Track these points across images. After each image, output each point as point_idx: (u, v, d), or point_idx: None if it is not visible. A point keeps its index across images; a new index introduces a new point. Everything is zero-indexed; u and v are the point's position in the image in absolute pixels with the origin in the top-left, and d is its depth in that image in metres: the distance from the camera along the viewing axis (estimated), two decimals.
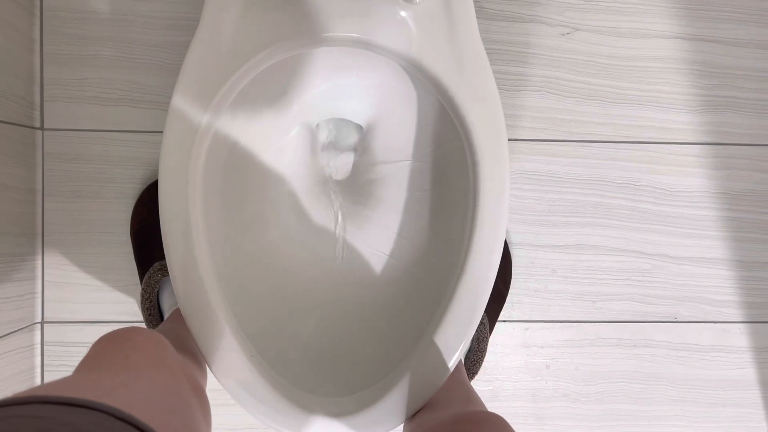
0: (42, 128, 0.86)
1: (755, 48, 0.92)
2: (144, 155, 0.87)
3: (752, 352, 0.95)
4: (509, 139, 0.90)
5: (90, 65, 0.85)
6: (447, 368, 0.58)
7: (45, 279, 0.86)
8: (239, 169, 0.66)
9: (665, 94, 0.92)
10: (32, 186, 0.85)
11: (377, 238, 0.69)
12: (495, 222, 0.57)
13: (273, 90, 0.64)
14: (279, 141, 0.68)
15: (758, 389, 0.96)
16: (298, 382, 0.57)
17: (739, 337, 0.95)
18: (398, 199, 0.68)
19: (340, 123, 0.73)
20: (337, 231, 0.69)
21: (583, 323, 0.93)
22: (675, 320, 0.94)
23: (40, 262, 0.86)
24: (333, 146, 0.74)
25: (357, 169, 0.71)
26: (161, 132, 0.82)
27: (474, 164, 0.56)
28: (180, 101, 0.55)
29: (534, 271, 0.92)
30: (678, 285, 0.94)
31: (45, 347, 0.87)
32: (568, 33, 0.91)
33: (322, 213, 0.70)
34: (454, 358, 0.58)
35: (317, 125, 0.73)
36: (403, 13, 0.55)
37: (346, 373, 0.61)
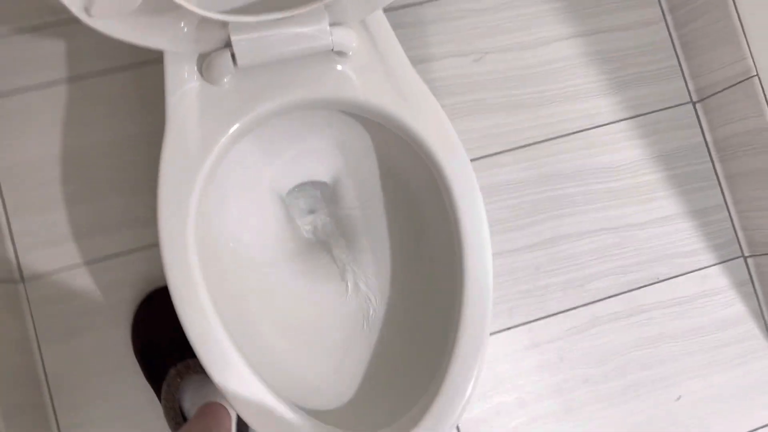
0: (23, 280, 0.87)
1: (640, 27, 1.04)
2: (126, 276, 0.89)
3: (734, 288, 1.02)
4: None
5: (55, 206, 0.88)
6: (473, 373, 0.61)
7: (60, 425, 0.85)
8: (231, 253, 0.69)
9: (579, 86, 1.02)
10: (26, 335, 0.85)
11: (376, 277, 0.73)
12: (478, 229, 0.62)
13: (244, 169, 0.69)
14: (261, 215, 0.72)
15: (752, 321, 1.02)
16: (341, 423, 0.59)
17: (717, 279, 1.02)
18: (382, 235, 0.73)
19: (306, 187, 0.78)
20: (343, 276, 0.72)
21: (579, 308, 0.98)
22: (658, 280, 1.00)
23: (51, 409, 0.85)
24: (306, 211, 0.79)
25: (339, 221, 0.76)
26: (138, 249, 0.85)
27: (443, 178, 0.62)
28: (165, 198, 0.59)
29: (518, 274, 0.97)
30: (649, 248, 1.01)
31: None
32: (480, 58, 1.00)
33: (322, 269, 0.74)
34: (478, 361, 0.61)
35: (285, 195, 0.78)
36: (339, 67, 0.62)
37: (382, 403, 0.63)
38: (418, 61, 0.98)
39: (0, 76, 0.89)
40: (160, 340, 0.82)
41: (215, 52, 0.57)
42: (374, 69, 0.62)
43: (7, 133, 0.89)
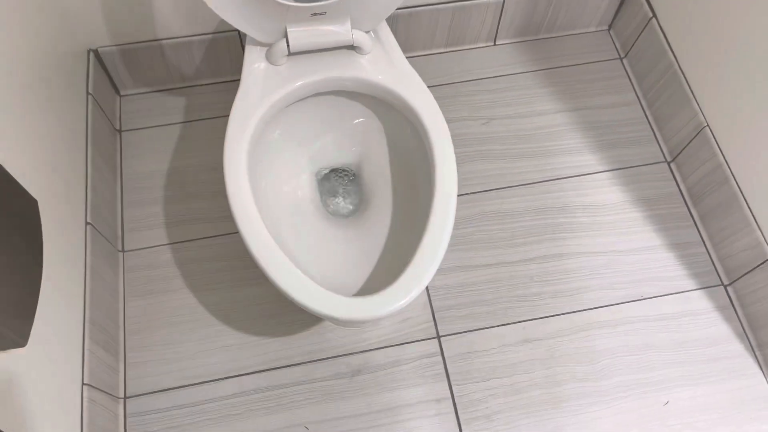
0: (123, 251, 1.15)
1: (620, 105, 1.31)
2: (199, 256, 1.14)
3: (716, 311, 1.13)
4: (470, 193, 1.21)
5: (156, 204, 1.19)
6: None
7: (127, 356, 1.06)
8: (273, 196, 0.95)
9: (570, 145, 1.27)
10: (117, 288, 1.11)
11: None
12: (446, 155, 0.85)
13: (289, 147, 0.98)
14: (297, 182, 0.99)
15: (737, 341, 1.10)
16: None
17: (700, 301, 1.13)
18: (387, 194, 0.97)
19: (334, 174, 1.05)
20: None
21: (568, 314, 1.12)
22: (642, 298, 1.13)
23: (122, 342, 1.07)
24: (330, 193, 1.05)
25: (359, 189, 1.01)
26: (210, 237, 1.12)
27: (423, 128, 0.88)
28: (230, 134, 0.87)
29: (514, 282, 1.14)
30: (633, 271, 1.16)
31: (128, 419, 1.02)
32: (487, 122, 1.29)
33: (334, 221, 0.98)
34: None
35: (320, 176, 1.04)
36: (358, 58, 0.92)
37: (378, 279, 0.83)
38: None
39: (140, 118, 1.28)
40: None
41: (276, 42, 0.90)
42: (381, 60, 0.92)
43: (135, 153, 1.24)
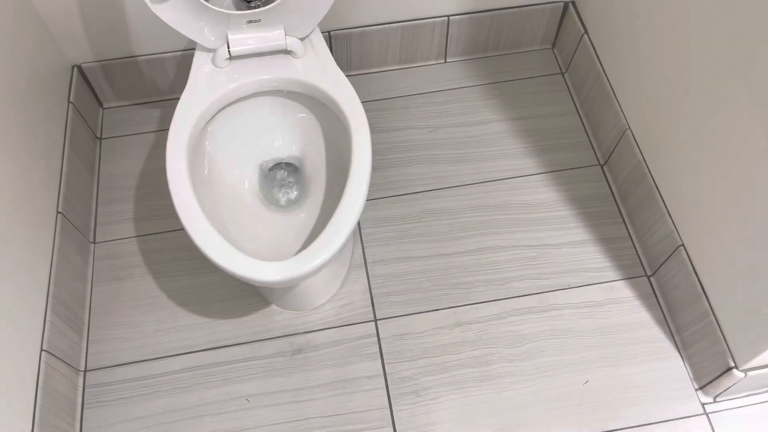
0: (94, 242, 1.27)
1: (558, 115, 1.41)
2: (160, 247, 1.26)
3: (639, 299, 1.20)
4: (413, 192, 1.31)
5: (127, 201, 1.31)
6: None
7: (90, 335, 1.17)
8: (218, 178, 1.07)
9: (508, 150, 1.37)
10: (85, 274, 1.22)
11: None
12: (363, 141, 0.96)
13: (239, 136, 1.10)
14: (244, 170, 1.10)
15: (657, 327, 1.17)
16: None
17: (623, 290, 1.21)
18: (321, 179, 1.08)
19: (281, 167, 1.16)
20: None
21: (498, 301, 1.20)
22: (569, 287, 1.21)
23: (86, 322, 1.18)
24: (278, 185, 1.16)
25: (300, 178, 1.12)
26: (170, 231, 1.24)
27: (347, 129, 0.99)
28: (173, 130, 1.00)
29: (449, 271, 1.23)
30: (562, 262, 1.24)
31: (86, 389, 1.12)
32: (432, 130, 1.41)
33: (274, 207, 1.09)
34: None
35: (266, 169, 1.15)
36: (292, 61, 1.05)
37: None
38: (390, 130, 1.40)
39: (119, 127, 1.42)
40: None
41: (220, 47, 1.03)
42: (313, 63, 1.04)
43: (113, 158, 1.37)
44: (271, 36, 1.02)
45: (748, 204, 0.92)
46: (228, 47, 1.02)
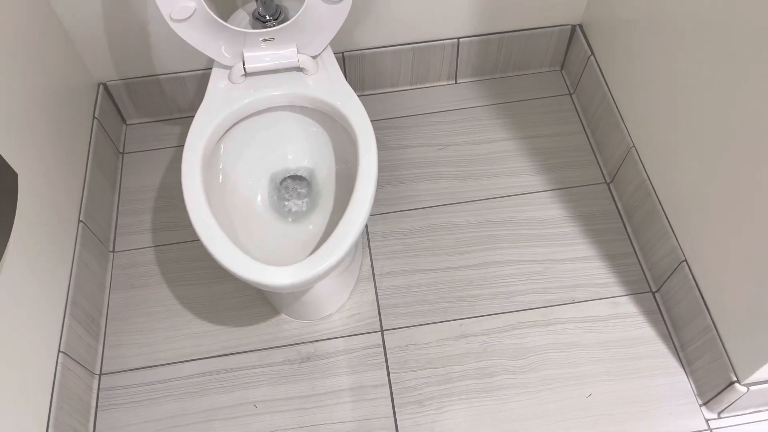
0: (113, 251, 1.32)
1: (566, 135, 1.44)
2: (177, 257, 1.30)
3: (643, 315, 1.21)
4: (422, 207, 1.34)
5: (147, 212, 1.37)
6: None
7: (107, 339, 1.21)
8: (231, 189, 1.11)
9: (516, 167, 1.40)
10: (104, 281, 1.27)
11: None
12: (369, 153, 1.00)
13: (252, 149, 1.14)
14: (257, 182, 1.15)
15: (661, 342, 1.18)
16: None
17: (628, 306, 1.22)
18: (331, 192, 1.12)
19: (291, 181, 1.20)
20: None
21: (503, 314, 1.22)
22: (573, 301, 1.22)
23: (103, 326, 1.22)
24: (285, 197, 1.20)
25: (310, 191, 1.17)
26: (187, 242, 1.28)
27: (355, 142, 1.03)
28: (189, 142, 1.05)
29: (455, 284, 1.25)
30: (567, 278, 1.25)
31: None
32: (442, 148, 1.44)
33: (282, 218, 1.13)
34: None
35: (278, 181, 1.19)
36: (304, 77, 1.10)
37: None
38: (401, 147, 1.44)
39: (141, 143, 1.48)
40: None
41: (236, 64, 1.08)
42: (324, 80, 1.09)
43: (134, 171, 1.43)
44: (285, 54, 1.07)
45: (749, 219, 0.93)
46: (243, 64, 1.07)
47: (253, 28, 1.05)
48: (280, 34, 1.05)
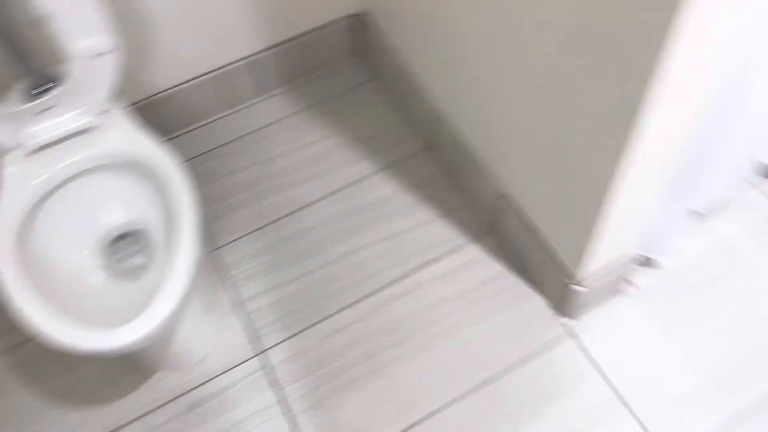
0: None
1: (376, 119, 1.52)
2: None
3: (489, 254, 1.30)
4: (263, 226, 1.36)
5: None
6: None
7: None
8: (54, 263, 1.07)
9: (344, 158, 1.46)
10: None
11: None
12: (181, 200, 1.01)
13: (72, 217, 1.10)
14: (84, 251, 1.12)
15: (511, 273, 1.28)
16: None
17: (474, 251, 1.31)
18: (159, 241, 1.11)
19: (121, 239, 1.18)
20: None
21: (369, 297, 1.26)
22: (427, 262, 1.30)
23: None
24: (126, 254, 1.17)
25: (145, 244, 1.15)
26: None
27: (164, 188, 1.03)
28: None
29: (319, 285, 1.29)
30: (417, 244, 1.33)
31: None
32: (272, 161, 1.47)
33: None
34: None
35: (108, 242, 1.16)
36: (105, 137, 1.08)
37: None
38: (231, 173, 1.45)
39: None
40: None
41: (25, 141, 1.05)
42: (119, 132, 1.08)
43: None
44: (69, 118, 1.05)
45: (551, 141, 1.04)
46: (29, 142, 1.04)
47: (25, 104, 1.02)
48: (56, 101, 1.02)
